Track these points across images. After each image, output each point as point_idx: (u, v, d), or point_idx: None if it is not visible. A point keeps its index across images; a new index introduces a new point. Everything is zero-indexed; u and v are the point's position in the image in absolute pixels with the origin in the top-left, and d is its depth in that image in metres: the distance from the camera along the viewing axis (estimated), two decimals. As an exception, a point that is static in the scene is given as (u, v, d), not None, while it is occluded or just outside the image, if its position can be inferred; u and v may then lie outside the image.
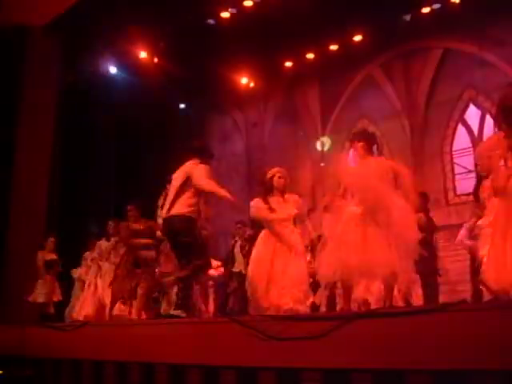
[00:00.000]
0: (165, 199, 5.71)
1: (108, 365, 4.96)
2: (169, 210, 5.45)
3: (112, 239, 7.50)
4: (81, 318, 7.35)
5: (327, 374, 3.49)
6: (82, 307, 7.69)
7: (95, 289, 7.71)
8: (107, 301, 7.26)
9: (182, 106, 13.21)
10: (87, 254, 8.43)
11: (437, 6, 9.61)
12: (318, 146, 11.43)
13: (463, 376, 2.94)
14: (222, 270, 8.32)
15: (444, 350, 3.02)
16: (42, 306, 8.82)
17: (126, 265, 6.83)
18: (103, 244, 7.93)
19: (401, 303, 5.76)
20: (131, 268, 6.81)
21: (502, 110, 3.94)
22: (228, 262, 8.50)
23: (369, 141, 4.67)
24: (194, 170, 5.48)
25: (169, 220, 5.46)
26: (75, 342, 5.44)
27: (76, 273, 8.47)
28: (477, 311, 3.05)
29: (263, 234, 5.39)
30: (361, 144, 4.63)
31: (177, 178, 5.53)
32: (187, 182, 5.44)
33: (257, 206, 5.41)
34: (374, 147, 4.68)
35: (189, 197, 5.43)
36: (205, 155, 5.69)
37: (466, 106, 9.92)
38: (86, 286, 7.89)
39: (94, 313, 7.47)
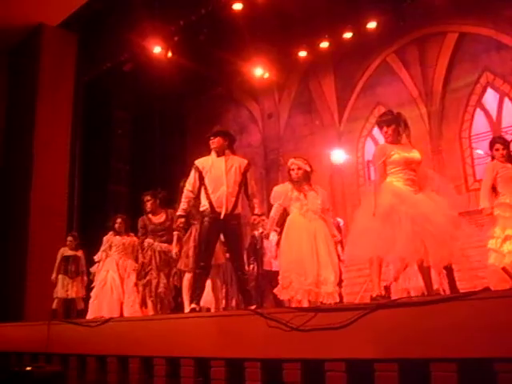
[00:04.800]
0: (194, 189, 5.58)
1: (133, 360, 5.02)
2: (233, 206, 5.44)
3: (140, 236, 7.12)
4: (98, 315, 7.24)
5: (351, 364, 3.51)
6: (99, 305, 7.47)
7: (112, 286, 7.48)
8: (127, 300, 7.27)
9: (198, 98, 13.21)
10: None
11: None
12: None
13: (488, 363, 2.93)
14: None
15: (468, 338, 3.02)
16: (69, 301, 8.91)
17: (155, 264, 6.75)
18: (117, 239, 7.72)
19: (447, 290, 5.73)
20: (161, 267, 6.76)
21: None
22: (254, 257, 8.34)
23: (397, 123, 4.63)
24: (249, 168, 5.62)
25: (234, 217, 5.47)
26: (100, 337, 5.51)
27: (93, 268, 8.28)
28: (499, 299, 3.04)
29: (288, 222, 5.34)
30: (392, 128, 4.60)
31: (230, 170, 5.50)
32: (241, 179, 5.52)
33: (284, 188, 5.40)
34: (401, 129, 4.64)
35: (239, 194, 5.54)
36: (231, 138, 5.74)
37: (484, 90, 9.80)
38: (98, 282, 7.65)
39: (113, 311, 7.33)
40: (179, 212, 5.71)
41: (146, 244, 6.86)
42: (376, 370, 3.36)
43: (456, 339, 3.05)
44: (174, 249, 6.30)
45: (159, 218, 6.90)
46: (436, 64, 10.22)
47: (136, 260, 7.28)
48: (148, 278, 6.71)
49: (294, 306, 4.88)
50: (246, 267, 7.78)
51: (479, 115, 9.83)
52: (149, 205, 6.95)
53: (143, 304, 6.75)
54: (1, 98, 11.06)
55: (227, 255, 5.98)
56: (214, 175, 5.50)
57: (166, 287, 6.70)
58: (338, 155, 11.11)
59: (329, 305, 4.70)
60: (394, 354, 3.28)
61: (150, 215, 6.96)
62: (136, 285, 6.91)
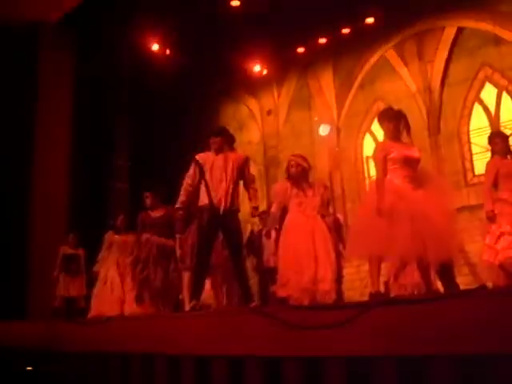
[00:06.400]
0: (194, 182, 5.60)
1: (134, 358, 5.04)
2: (232, 203, 5.47)
3: (138, 231, 7.23)
4: (99, 314, 7.26)
5: (351, 361, 3.52)
6: (100, 303, 7.52)
7: (112, 285, 7.52)
8: (128, 297, 7.29)
9: (197, 96, 13.21)
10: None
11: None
12: (321, 132, 11.45)
13: (489, 361, 2.95)
14: None
15: (465, 335, 3.03)
16: (71, 300, 8.95)
17: (152, 260, 6.77)
18: (117, 238, 7.74)
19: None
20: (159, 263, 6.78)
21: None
22: (254, 253, 8.39)
23: (398, 120, 4.65)
24: (247, 163, 5.66)
25: (233, 214, 5.51)
26: (101, 336, 5.53)
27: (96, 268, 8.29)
28: (496, 296, 3.06)
29: (287, 219, 5.34)
30: (393, 124, 4.62)
31: (228, 167, 5.52)
32: (239, 175, 5.56)
33: (283, 185, 5.39)
34: (402, 126, 4.67)
35: (238, 190, 5.57)
36: (230, 137, 5.79)
37: (482, 85, 9.81)
38: (99, 281, 7.70)
39: (114, 310, 7.32)
40: (177, 205, 5.73)
41: (143, 239, 6.88)
42: (375, 368, 3.38)
43: (454, 336, 3.06)
44: (178, 251, 6.33)
45: (158, 213, 6.92)
46: (434, 59, 10.24)
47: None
48: (145, 272, 6.73)
49: (293, 303, 4.88)
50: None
51: (478, 110, 9.84)
52: (148, 201, 6.98)
53: (139, 299, 6.76)
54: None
55: (226, 252, 6.01)
56: (213, 172, 5.54)
57: (164, 281, 6.70)
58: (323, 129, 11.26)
59: (328, 303, 4.72)
60: (392, 351, 3.29)
61: (149, 211, 6.99)
62: (132, 279, 6.92)
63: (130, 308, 7.24)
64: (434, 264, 4.42)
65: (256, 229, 8.45)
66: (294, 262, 5.00)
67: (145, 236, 6.84)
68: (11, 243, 10.29)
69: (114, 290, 7.46)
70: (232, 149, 5.82)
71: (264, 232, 7.59)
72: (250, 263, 8.31)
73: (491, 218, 5.49)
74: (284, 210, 5.48)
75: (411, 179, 4.48)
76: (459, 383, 3.06)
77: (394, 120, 4.63)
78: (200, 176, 5.57)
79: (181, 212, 5.76)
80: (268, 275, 8.01)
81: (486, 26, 9.66)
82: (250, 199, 5.71)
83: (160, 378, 4.75)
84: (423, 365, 3.17)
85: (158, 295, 6.66)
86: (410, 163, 4.51)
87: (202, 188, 5.55)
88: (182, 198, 5.67)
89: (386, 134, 4.72)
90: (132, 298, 7.25)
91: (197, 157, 5.65)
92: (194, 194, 5.66)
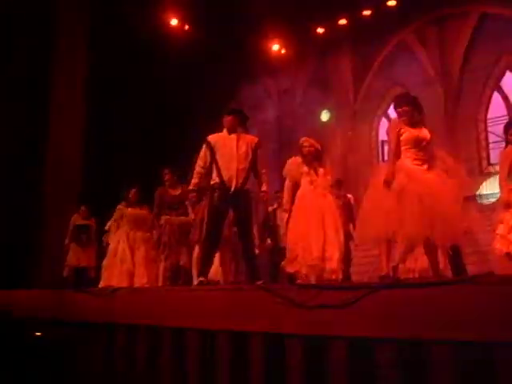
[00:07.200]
0: (206, 164, 5.63)
1: (141, 329, 5.11)
2: (243, 182, 5.49)
3: (155, 206, 7.20)
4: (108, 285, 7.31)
5: (353, 342, 3.55)
6: (110, 275, 7.49)
7: (122, 257, 7.49)
8: (138, 271, 7.38)
9: (214, 73, 13.16)
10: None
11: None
12: (322, 118, 11.43)
13: (487, 347, 2.96)
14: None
15: (469, 321, 3.04)
16: (80, 270, 9.04)
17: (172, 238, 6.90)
18: (129, 211, 7.65)
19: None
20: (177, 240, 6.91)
21: None
22: (269, 232, 8.43)
23: (414, 106, 4.63)
24: (259, 146, 5.64)
25: (244, 193, 5.52)
26: (109, 306, 5.60)
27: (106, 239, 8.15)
28: (502, 284, 3.05)
29: (298, 197, 5.36)
30: (407, 109, 4.60)
31: (241, 147, 5.52)
32: (252, 156, 5.55)
33: (295, 161, 5.39)
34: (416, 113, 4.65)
35: (250, 171, 5.56)
36: (244, 116, 5.77)
37: (502, 73, 9.68)
38: (109, 253, 7.68)
39: (123, 282, 7.30)
40: (190, 186, 5.79)
41: (163, 221, 6.97)
42: (377, 349, 3.40)
43: (456, 322, 3.07)
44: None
45: (176, 192, 7.02)
46: (455, 44, 10.10)
47: (150, 232, 7.39)
48: (166, 253, 6.90)
49: (300, 281, 4.91)
50: (261, 242, 7.90)
51: (496, 98, 9.73)
52: (167, 177, 7.10)
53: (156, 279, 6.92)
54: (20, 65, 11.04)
55: (235, 229, 6.06)
56: (225, 152, 5.54)
57: (189, 258, 6.86)
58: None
59: (334, 283, 4.74)
60: (394, 333, 3.31)
61: (167, 188, 7.09)
62: (156, 260, 7.10)
63: (139, 282, 7.33)
64: (440, 246, 4.42)
65: (271, 208, 8.47)
66: (303, 239, 5.03)
67: (164, 218, 6.95)
68: (25, 213, 10.42)
69: (123, 263, 7.50)
70: (246, 130, 5.82)
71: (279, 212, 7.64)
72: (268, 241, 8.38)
73: (506, 208, 5.46)
74: (295, 188, 5.49)
75: (422, 161, 4.48)
76: (459, 369, 3.07)
77: (410, 105, 4.62)
78: (211, 157, 5.58)
79: (194, 194, 5.81)
80: (280, 253, 8.04)
81: (509, 12, 9.49)
82: (259, 183, 5.71)
83: (165, 350, 4.81)
84: (424, 349, 3.19)
85: (183, 272, 6.82)
86: (420, 144, 4.51)
87: (214, 167, 5.58)
88: (194, 180, 5.72)
89: (399, 119, 4.70)
90: (141, 273, 7.36)
91: (208, 138, 5.67)
92: (207, 174, 5.69)
